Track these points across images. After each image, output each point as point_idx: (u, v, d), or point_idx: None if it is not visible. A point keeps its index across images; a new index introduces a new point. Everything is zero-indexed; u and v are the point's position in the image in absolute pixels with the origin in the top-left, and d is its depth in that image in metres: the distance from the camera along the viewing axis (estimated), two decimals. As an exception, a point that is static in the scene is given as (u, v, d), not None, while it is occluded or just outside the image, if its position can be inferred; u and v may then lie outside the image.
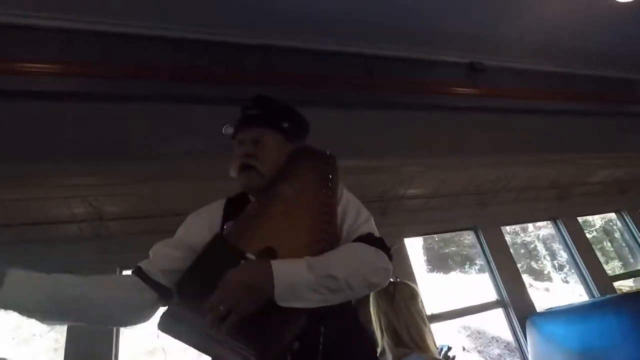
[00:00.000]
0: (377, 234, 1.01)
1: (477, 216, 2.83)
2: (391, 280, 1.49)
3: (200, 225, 1.09)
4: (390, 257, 0.99)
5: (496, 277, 2.68)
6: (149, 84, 1.87)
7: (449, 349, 1.74)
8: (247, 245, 0.91)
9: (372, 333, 1.54)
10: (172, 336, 0.83)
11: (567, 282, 7.92)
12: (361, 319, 1.16)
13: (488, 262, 2.74)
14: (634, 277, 3.46)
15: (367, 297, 1.61)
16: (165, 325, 0.83)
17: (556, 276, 8.35)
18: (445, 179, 2.49)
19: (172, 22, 1.99)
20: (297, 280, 0.82)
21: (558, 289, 7.86)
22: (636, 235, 3.33)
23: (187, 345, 0.82)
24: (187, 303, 0.85)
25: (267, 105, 1.14)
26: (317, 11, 2.10)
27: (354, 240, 0.98)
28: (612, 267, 7.80)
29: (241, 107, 1.15)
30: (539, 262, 8.73)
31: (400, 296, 1.56)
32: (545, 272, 8.58)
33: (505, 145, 2.68)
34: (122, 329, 1.84)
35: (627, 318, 1.92)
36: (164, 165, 1.85)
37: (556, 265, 8.36)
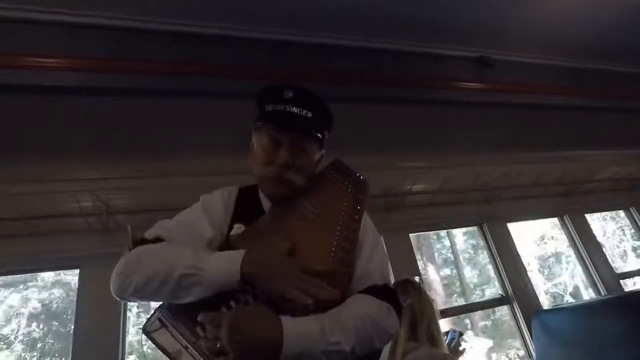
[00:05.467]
0: (390, 282, 0.92)
1: (483, 212, 2.81)
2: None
3: (218, 212, 0.97)
4: (400, 314, 0.88)
5: (502, 273, 2.67)
6: (157, 79, 1.88)
7: (460, 334, 1.74)
8: None
9: None
10: (154, 343, 0.77)
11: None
12: None
13: (493, 259, 2.73)
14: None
15: None
16: (151, 330, 0.78)
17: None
18: (451, 175, 2.47)
19: (177, 16, 1.99)
20: (306, 349, 0.72)
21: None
22: (645, 233, 3.30)
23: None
24: (180, 312, 0.78)
25: (316, 108, 0.97)
26: (325, 6, 2.09)
27: (367, 288, 0.87)
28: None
29: (278, 94, 0.95)
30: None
31: (425, 293, 1.60)
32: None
33: (512, 141, 2.65)
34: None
35: (634, 316, 1.91)
36: (172, 159, 1.86)
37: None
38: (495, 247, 2.74)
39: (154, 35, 1.99)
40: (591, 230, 3.11)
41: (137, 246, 0.85)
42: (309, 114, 0.94)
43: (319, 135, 1.00)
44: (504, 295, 2.62)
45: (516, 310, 2.54)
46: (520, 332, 2.51)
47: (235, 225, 0.93)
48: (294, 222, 0.92)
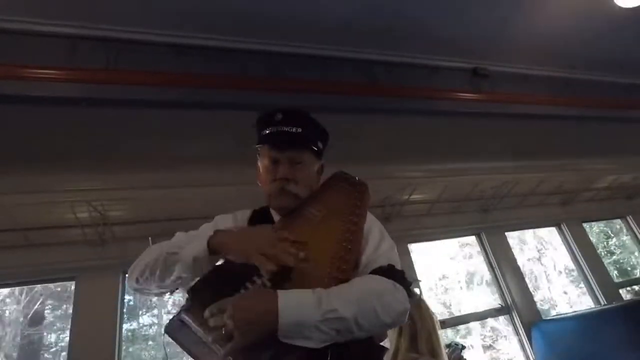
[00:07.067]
0: (398, 265, 0.94)
1: (481, 222, 2.82)
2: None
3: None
4: (409, 293, 0.90)
5: (500, 283, 2.66)
6: (154, 90, 1.88)
7: (463, 348, 1.72)
8: None
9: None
10: (176, 342, 0.82)
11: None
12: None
13: (492, 268, 2.73)
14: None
15: None
16: (172, 330, 0.82)
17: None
18: (448, 185, 2.48)
19: (176, 27, 2.01)
20: (302, 318, 0.75)
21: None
22: (642, 241, 3.31)
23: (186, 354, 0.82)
24: (195, 311, 0.82)
25: (305, 124, 1.06)
26: (322, 17, 2.12)
27: (373, 272, 0.90)
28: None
29: (270, 118, 1.05)
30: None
31: (425, 304, 1.60)
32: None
33: (509, 151, 2.67)
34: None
35: (634, 325, 1.91)
36: (169, 170, 1.86)
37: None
38: (494, 256, 2.74)
39: (153, 47, 2.01)
40: (589, 238, 3.12)
41: None
42: (299, 130, 1.04)
43: (313, 146, 1.07)
44: (503, 305, 2.61)
45: (516, 320, 2.53)
46: (520, 341, 2.49)
47: None
48: (300, 227, 0.99)
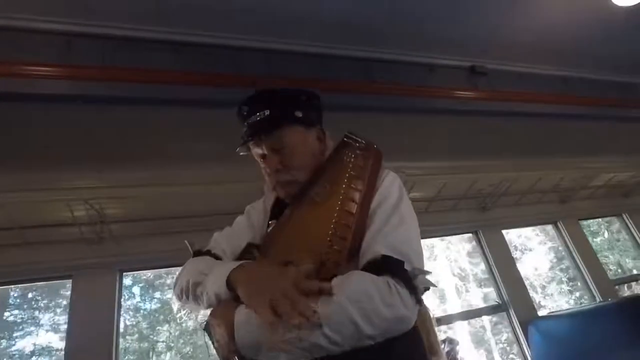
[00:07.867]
0: (399, 254, 0.75)
1: (479, 220, 2.82)
2: None
3: (258, 216, 1.05)
4: (414, 293, 0.74)
5: (497, 280, 2.67)
6: (150, 88, 1.87)
7: (457, 343, 1.74)
8: (271, 258, 0.85)
9: None
10: (210, 336, 0.81)
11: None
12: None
13: (489, 266, 2.74)
14: (636, 280, 3.44)
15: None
16: (205, 328, 0.82)
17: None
18: (446, 182, 2.48)
19: (173, 24, 1.99)
20: (260, 338, 0.68)
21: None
22: (637, 238, 3.33)
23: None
24: None
25: (271, 102, 0.95)
26: (319, 15, 2.11)
27: (366, 263, 0.75)
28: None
29: (240, 115, 0.99)
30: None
31: (424, 303, 1.60)
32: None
33: (506, 149, 2.68)
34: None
35: (629, 321, 1.92)
36: (166, 168, 1.85)
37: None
38: (491, 254, 2.75)
39: (148, 44, 1.99)
40: (585, 236, 3.13)
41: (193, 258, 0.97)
42: (267, 112, 0.94)
43: (292, 119, 0.96)
44: (500, 302, 2.62)
45: (512, 318, 2.55)
46: (517, 339, 2.50)
47: (270, 223, 0.99)
48: (304, 208, 0.92)
